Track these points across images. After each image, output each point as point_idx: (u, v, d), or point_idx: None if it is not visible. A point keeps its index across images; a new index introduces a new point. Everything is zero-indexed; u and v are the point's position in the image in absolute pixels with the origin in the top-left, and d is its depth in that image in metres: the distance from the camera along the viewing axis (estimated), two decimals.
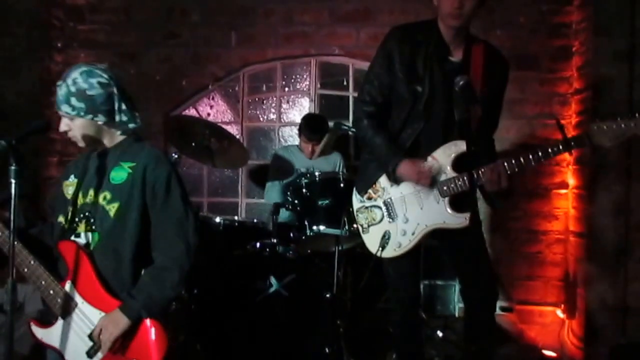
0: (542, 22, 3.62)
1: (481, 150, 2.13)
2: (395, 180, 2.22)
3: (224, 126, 3.85)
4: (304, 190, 3.02)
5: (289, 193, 3.12)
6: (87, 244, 1.83)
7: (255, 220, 3.34)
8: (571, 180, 3.60)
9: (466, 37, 2.19)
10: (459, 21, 2.12)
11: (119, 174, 1.83)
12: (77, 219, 1.85)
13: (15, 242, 1.73)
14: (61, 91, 1.80)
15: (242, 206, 4.03)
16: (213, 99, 4.06)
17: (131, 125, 1.86)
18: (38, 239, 1.91)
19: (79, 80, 1.79)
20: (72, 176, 1.92)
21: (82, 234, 1.84)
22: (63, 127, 1.84)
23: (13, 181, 1.64)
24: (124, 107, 1.84)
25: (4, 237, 1.82)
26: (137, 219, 1.80)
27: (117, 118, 1.83)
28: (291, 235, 3.08)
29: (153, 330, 1.76)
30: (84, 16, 3.96)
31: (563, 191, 3.63)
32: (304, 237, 3.01)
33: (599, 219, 3.29)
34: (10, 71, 3.69)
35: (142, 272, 1.82)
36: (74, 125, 1.83)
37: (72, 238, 1.85)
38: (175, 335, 1.86)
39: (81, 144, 1.87)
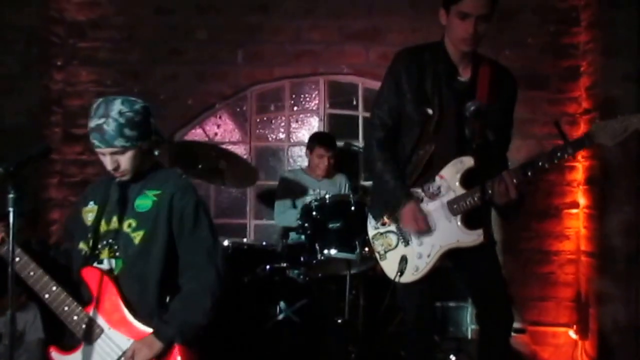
0: (551, 43, 3.64)
1: (493, 167, 2.11)
2: (396, 220, 2.22)
3: (231, 146, 3.80)
4: (314, 212, 2.97)
5: (299, 215, 3.07)
6: (111, 270, 1.84)
7: (264, 243, 3.29)
8: (582, 200, 3.60)
9: (473, 56, 2.19)
10: (472, 46, 2.12)
11: (144, 202, 1.85)
12: (99, 246, 1.86)
13: (38, 269, 1.77)
14: (109, 127, 1.77)
15: (251, 227, 3.97)
16: (220, 118, 4.00)
17: (163, 143, 1.93)
18: (55, 264, 1.91)
19: (125, 110, 1.79)
20: (92, 202, 1.92)
21: (105, 260, 1.85)
22: (112, 165, 1.82)
23: (11, 210, 1.62)
24: (154, 127, 1.88)
25: (21, 262, 1.81)
26: (162, 246, 1.82)
27: (153, 138, 1.87)
28: (301, 258, 3.02)
29: (184, 356, 1.76)
30: (85, 33, 3.88)
31: (574, 211, 3.62)
32: (314, 261, 2.96)
33: (610, 239, 3.29)
34: (8, 90, 3.60)
35: (172, 298, 1.83)
36: (124, 159, 1.81)
37: (95, 264, 1.86)
38: None
39: (129, 175, 1.86)
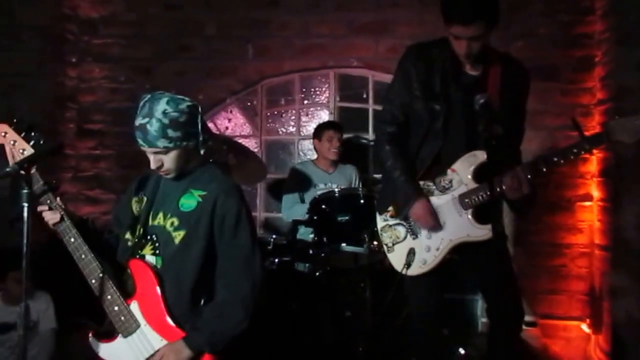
0: (563, 33, 3.58)
1: (505, 162, 2.09)
2: (405, 217, 2.22)
3: (242, 140, 3.81)
4: (322, 206, 2.98)
5: (308, 208, 3.07)
6: (155, 266, 1.82)
7: (273, 237, 3.30)
8: (595, 193, 3.55)
9: (483, 51, 2.15)
10: (469, 60, 2.12)
11: (189, 202, 1.81)
12: (144, 240, 1.84)
13: (89, 253, 1.78)
14: (152, 127, 1.73)
15: (261, 220, 3.99)
16: (231, 112, 4.03)
17: (210, 143, 1.84)
18: (106, 248, 1.92)
19: (170, 110, 1.74)
20: (142, 194, 1.90)
21: (147, 256, 1.83)
22: (155, 164, 1.79)
23: (25, 205, 1.63)
24: (202, 125, 1.82)
25: (75, 243, 1.82)
26: (201, 248, 1.79)
27: (200, 138, 1.81)
28: (310, 252, 3.03)
29: None
30: (97, 30, 3.93)
31: (587, 204, 3.57)
32: (322, 254, 2.96)
33: (624, 232, 3.23)
34: (23, 87, 3.64)
35: (206, 304, 1.81)
36: (168, 159, 1.78)
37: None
38: None
39: (173, 174, 1.82)
